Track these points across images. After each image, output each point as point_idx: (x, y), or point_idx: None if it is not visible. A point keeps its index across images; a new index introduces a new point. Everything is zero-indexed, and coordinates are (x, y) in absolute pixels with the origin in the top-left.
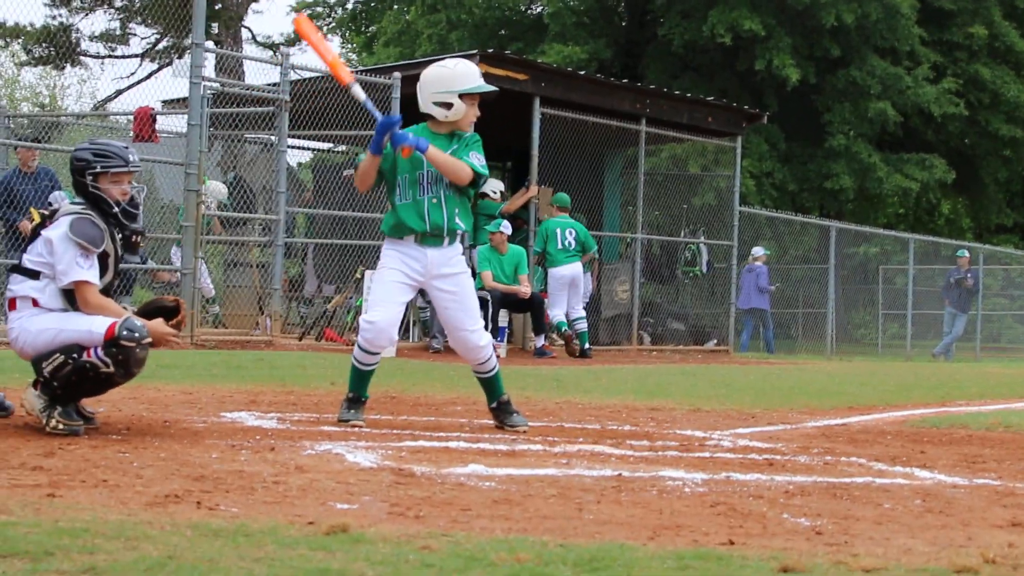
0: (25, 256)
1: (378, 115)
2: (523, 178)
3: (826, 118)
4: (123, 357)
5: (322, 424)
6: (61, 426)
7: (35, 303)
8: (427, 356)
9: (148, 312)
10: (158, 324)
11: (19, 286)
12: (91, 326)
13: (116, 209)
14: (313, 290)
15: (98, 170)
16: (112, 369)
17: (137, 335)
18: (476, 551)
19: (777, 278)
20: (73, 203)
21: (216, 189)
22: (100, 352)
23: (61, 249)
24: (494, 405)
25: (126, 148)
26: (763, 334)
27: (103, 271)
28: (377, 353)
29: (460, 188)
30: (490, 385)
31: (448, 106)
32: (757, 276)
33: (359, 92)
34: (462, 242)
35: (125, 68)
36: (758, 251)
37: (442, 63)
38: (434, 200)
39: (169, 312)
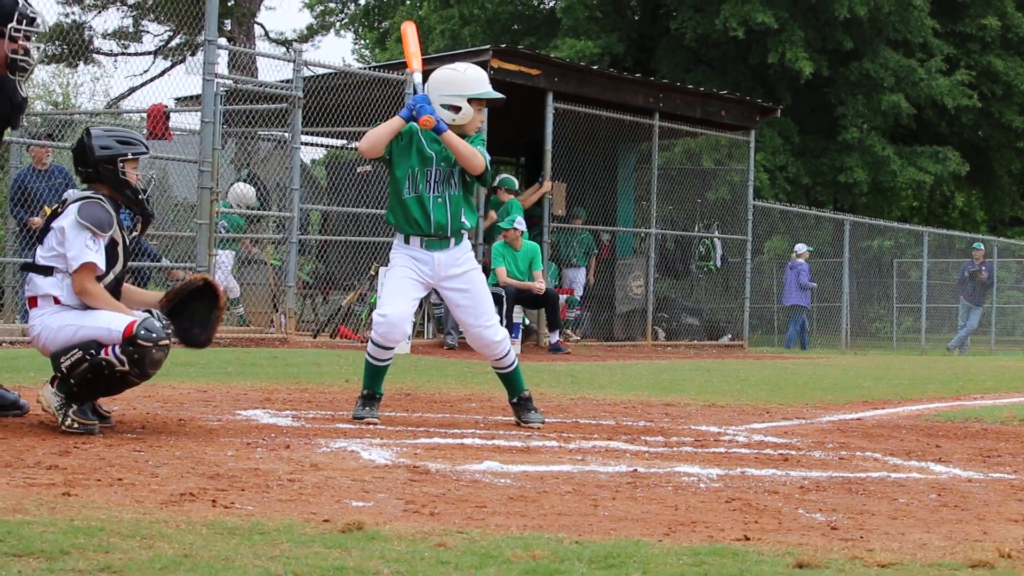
0: (38, 253)
1: (421, 91)
2: (536, 173)
3: (839, 111)
4: (139, 356)
5: (337, 422)
6: (76, 424)
7: (56, 301)
8: (442, 353)
9: (183, 302)
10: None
11: (38, 284)
12: (110, 324)
13: (143, 195)
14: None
15: (129, 156)
16: (127, 368)
17: (155, 336)
18: (491, 548)
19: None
20: (82, 191)
21: (243, 194)
22: (117, 350)
23: (72, 235)
24: (515, 400)
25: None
26: (790, 330)
27: (113, 260)
28: (391, 348)
29: (466, 186)
30: (510, 381)
31: (456, 109)
32: (799, 273)
33: (418, 77)
34: (470, 238)
35: (138, 65)
36: (800, 248)
37: (452, 66)
38: (439, 200)
39: (207, 295)
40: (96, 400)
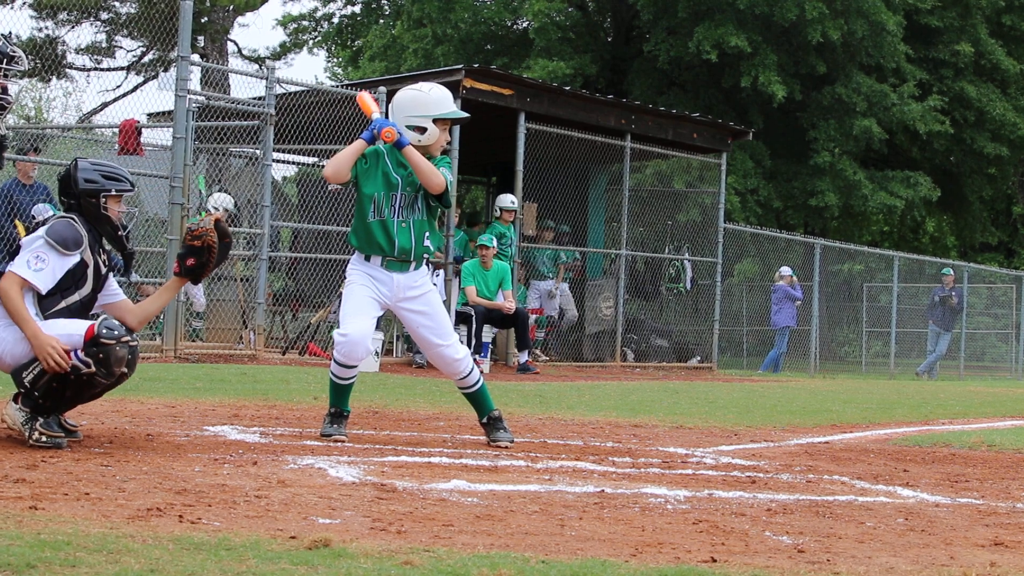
0: (9, 264)
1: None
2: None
3: (811, 135)
4: (104, 356)
5: (305, 438)
6: (44, 438)
7: None
8: (410, 371)
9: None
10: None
11: None
12: (68, 330)
13: (123, 232)
14: None
15: (112, 193)
16: (94, 369)
17: (116, 332)
18: (458, 567)
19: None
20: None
21: (220, 199)
22: (80, 354)
23: (25, 246)
24: (484, 420)
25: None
26: (772, 351)
27: (82, 282)
28: (354, 366)
29: (431, 210)
30: (476, 400)
31: (422, 130)
32: (780, 295)
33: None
34: (436, 259)
35: (111, 81)
36: (785, 271)
37: (416, 87)
38: (403, 224)
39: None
40: (63, 412)
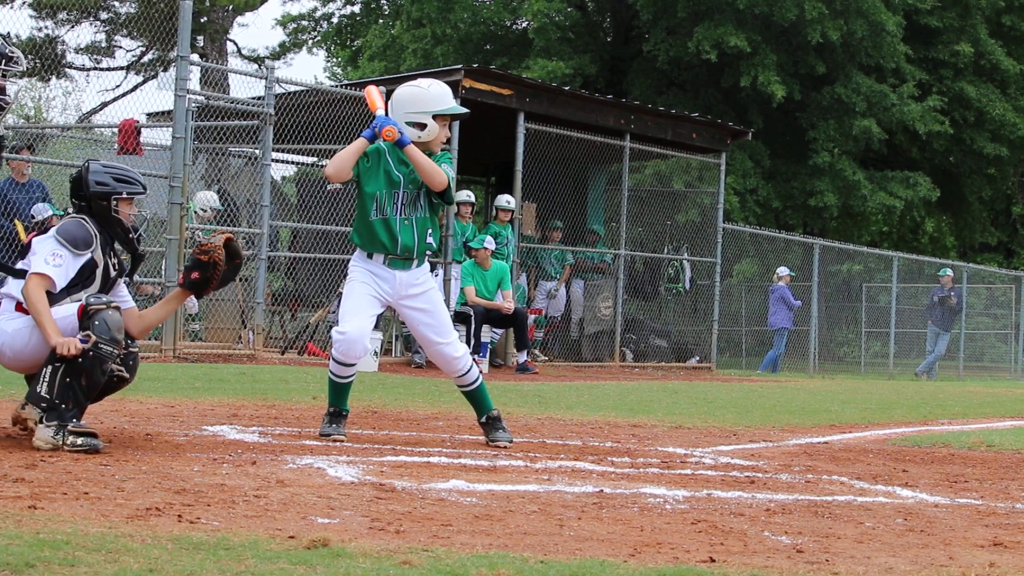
0: (20, 262)
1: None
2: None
3: (811, 135)
4: (99, 321)
5: (304, 438)
6: (80, 441)
7: (19, 307)
8: (409, 371)
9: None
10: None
11: (7, 283)
12: (64, 313)
13: (134, 235)
14: None
15: (123, 195)
16: (95, 337)
17: (104, 299)
18: (456, 567)
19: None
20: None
21: (206, 198)
22: (79, 335)
23: (39, 246)
24: (483, 420)
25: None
26: (771, 352)
27: (89, 281)
28: (352, 364)
29: (432, 208)
30: (475, 399)
31: (422, 127)
32: (781, 295)
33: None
34: (436, 256)
35: (110, 80)
36: (783, 271)
37: (416, 83)
38: (406, 222)
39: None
40: (87, 406)
